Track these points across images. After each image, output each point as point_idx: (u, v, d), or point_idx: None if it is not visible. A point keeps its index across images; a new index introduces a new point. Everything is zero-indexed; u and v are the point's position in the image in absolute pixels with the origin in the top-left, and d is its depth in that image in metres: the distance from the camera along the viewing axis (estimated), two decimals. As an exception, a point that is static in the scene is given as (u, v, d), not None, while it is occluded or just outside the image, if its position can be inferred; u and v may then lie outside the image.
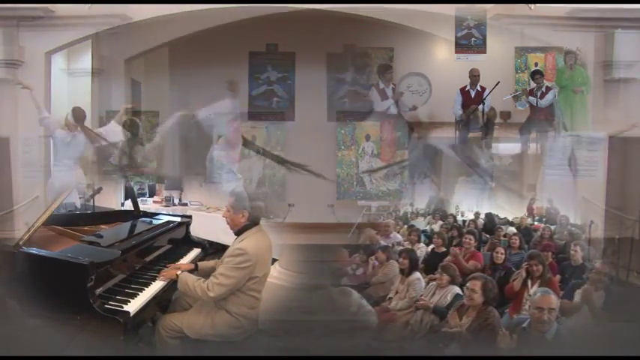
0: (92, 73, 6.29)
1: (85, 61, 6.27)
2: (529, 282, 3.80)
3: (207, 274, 3.16)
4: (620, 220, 6.30)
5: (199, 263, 3.33)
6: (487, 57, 6.46)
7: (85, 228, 3.61)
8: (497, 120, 7.08)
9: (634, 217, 6.16)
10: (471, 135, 6.68)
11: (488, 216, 5.42)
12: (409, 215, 5.66)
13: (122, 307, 2.72)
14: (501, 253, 4.37)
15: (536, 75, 6.64)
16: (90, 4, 5.99)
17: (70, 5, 6.11)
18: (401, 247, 4.76)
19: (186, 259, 3.62)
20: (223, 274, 2.85)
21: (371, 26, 7.51)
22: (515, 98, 6.93)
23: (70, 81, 6.30)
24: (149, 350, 2.94)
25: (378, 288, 4.20)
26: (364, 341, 3.60)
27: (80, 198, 4.34)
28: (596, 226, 6.08)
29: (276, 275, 4.68)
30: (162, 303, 3.15)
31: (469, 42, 6.37)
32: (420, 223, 5.47)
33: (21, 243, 2.89)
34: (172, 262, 3.39)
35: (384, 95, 7.22)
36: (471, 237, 4.63)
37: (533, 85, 6.68)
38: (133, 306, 2.76)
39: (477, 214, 5.47)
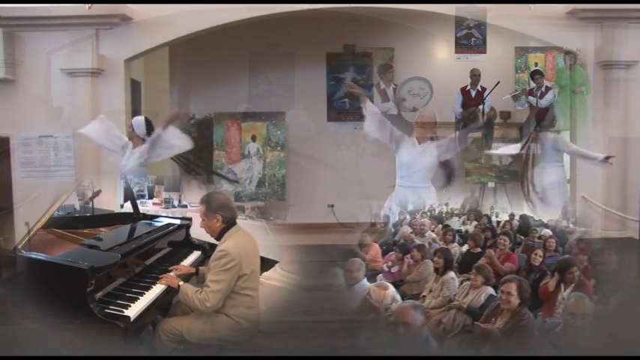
0: (92, 73, 6.28)
1: (86, 61, 6.27)
2: (562, 285, 3.76)
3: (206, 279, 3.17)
4: (620, 220, 6.32)
5: (200, 268, 3.31)
6: (487, 57, 6.46)
7: (85, 231, 3.56)
8: (497, 120, 7.09)
9: (634, 217, 6.16)
10: (470, 135, 6.68)
11: (523, 217, 5.38)
12: (444, 215, 5.64)
13: (122, 312, 2.67)
14: (539, 256, 4.30)
15: (536, 75, 6.64)
16: (90, 4, 5.98)
17: (70, 5, 6.11)
18: (435, 244, 4.74)
19: (186, 262, 3.57)
20: (213, 281, 2.84)
21: (371, 26, 7.51)
22: (515, 98, 6.93)
23: (70, 81, 6.29)
24: (149, 353, 2.93)
25: (412, 286, 4.17)
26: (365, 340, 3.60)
27: (79, 200, 4.28)
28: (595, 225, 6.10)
29: (277, 277, 4.68)
30: (163, 306, 3.12)
31: (469, 42, 6.36)
32: (455, 223, 5.44)
33: (19, 247, 2.82)
34: (173, 265, 3.36)
35: (385, 96, 7.22)
36: (506, 238, 4.56)
37: (533, 85, 6.68)
38: (133, 310, 2.72)
39: (512, 216, 5.44)
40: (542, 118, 5.58)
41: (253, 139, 7.27)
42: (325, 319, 4.01)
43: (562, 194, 5.69)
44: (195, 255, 3.78)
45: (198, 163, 7.50)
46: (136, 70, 7.14)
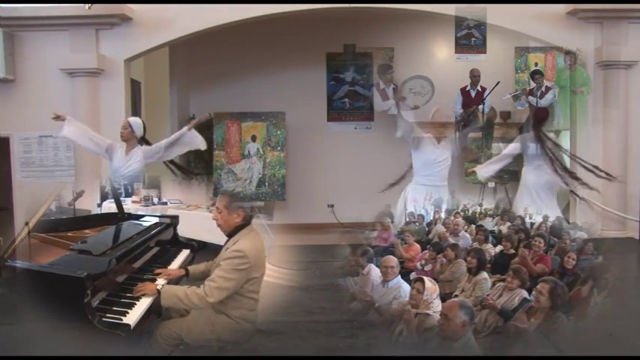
0: (92, 73, 6.28)
1: (86, 61, 6.27)
2: (595, 290, 3.73)
3: (199, 278, 3.11)
4: (620, 220, 6.32)
5: (190, 268, 3.23)
6: (487, 57, 6.46)
7: (69, 234, 3.37)
8: (497, 120, 7.09)
9: (634, 217, 6.16)
10: (471, 135, 6.68)
11: (558, 219, 5.37)
12: (477, 215, 5.63)
13: (121, 320, 2.54)
14: (572, 259, 4.25)
15: (536, 75, 6.64)
16: (90, 4, 5.98)
17: (70, 5, 6.11)
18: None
19: (176, 262, 3.41)
20: (222, 277, 2.77)
21: (371, 26, 7.52)
22: (515, 98, 6.93)
23: (70, 81, 6.29)
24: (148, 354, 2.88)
25: (444, 285, 4.13)
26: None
27: (55, 200, 4.13)
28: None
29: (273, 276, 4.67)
30: (157, 308, 2.90)
31: (469, 42, 6.36)
32: (488, 224, 5.43)
33: (6, 256, 2.63)
34: (162, 265, 3.18)
35: (384, 96, 7.22)
36: (541, 240, 4.53)
37: (533, 85, 6.68)
38: (132, 317, 2.59)
39: (546, 217, 5.42)
40: (543, 118, 5.56)
41: (253, 139, 7.27)
42: (325, 319, 4.01)
43: (552, 195, 5.65)
44: (185, 254, 3.65)
45: (197, 165, 7.51)
46: (136, 70, 7.14)
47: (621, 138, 6.36)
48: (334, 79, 7.78)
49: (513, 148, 5.43)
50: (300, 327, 3.83)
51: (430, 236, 5.12)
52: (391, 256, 4.06)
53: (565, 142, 6.72)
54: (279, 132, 7.25)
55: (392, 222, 5.26)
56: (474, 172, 5.59)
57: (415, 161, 5.14)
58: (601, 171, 5.36)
